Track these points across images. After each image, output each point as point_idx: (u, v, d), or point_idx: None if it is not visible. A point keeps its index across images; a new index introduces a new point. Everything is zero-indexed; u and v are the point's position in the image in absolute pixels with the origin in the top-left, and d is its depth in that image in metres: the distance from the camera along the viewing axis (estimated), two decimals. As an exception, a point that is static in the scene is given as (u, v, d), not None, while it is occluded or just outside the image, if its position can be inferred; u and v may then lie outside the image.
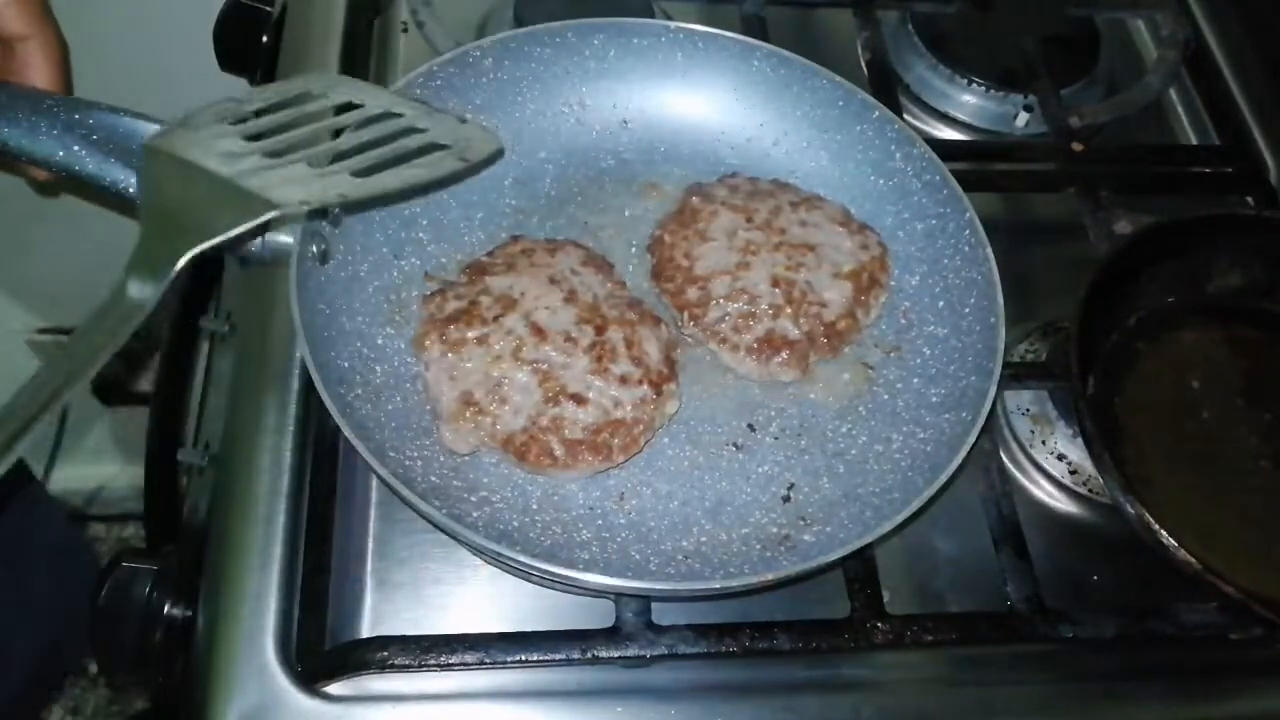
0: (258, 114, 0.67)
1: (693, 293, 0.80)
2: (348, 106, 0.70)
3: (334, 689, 0.68)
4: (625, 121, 0.90)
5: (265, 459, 0.74)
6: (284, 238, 0.71)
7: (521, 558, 0.63)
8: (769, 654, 0.70)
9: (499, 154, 0.75)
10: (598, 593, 0.71)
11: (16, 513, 1.19)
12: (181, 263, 0.59)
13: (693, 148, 0.90)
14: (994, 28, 1.07)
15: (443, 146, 0.69)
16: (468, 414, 0.71)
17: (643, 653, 0.67)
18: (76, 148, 0.69)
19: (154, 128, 0.69)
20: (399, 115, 0.70)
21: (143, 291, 0.59)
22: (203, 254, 0.59)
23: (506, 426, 0.71)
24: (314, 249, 0.72)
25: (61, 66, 0.74)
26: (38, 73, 0.73)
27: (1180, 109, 1.09)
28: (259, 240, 0.71)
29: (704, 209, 0.83)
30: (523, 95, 0.87)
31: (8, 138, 0.69)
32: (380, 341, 0.76)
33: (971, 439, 0.70)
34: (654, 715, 0.70)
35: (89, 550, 1.48)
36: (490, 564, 0.74)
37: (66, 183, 0.73)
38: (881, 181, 0.87)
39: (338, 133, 0.68)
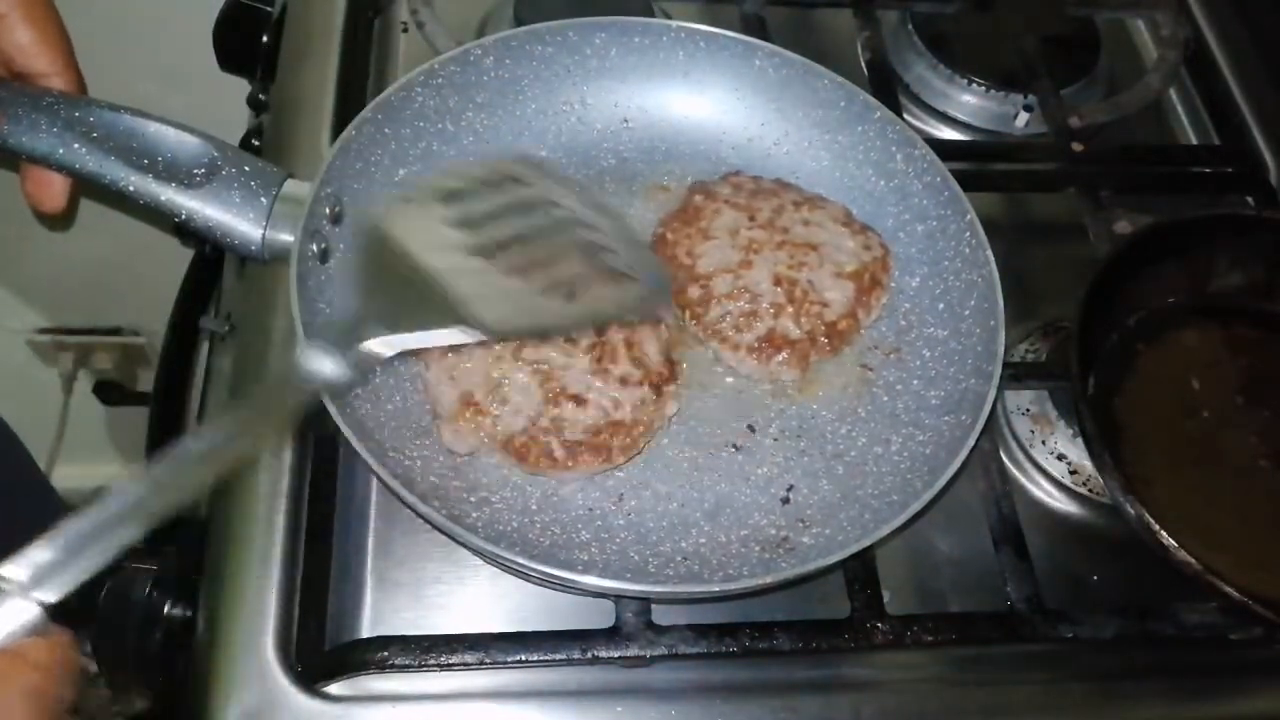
0: (465, 193, 0.67)
1: (694, 291, 0.80)
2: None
3: (334, 689, 0.67)
4: (626, 120, 0.90)
5: (265, 459, 0.74)
6: (284, 236, 0.71)
7: (520, 559, 0.63)
8: (769, 654, 0.70)
9: (668, 309, 0.78)
10: (597, 594, 0.71)
11: (16, 512, 1.18)
12: (370, 350, 0.59)
13: (694, 147, 0.90)
14: (994, 28, 1.07)
15: (627, 276, 0.70)
16: (467, 414, 0.71)
17: (643, 653, 0.67)
18: (77, 145, 0.69)
19: (155, 126, 0.69)
20: (593, 226, 0.71)
21: (323, 367, 0.58)
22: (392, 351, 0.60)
23: (506, 427, 0.71)
24: (314, 248, 0.72)
25: (45, 27, 0.72)
26: (20, 33, 0.71)
27: (1180, 109, 1.09)
28: (258, 239, 0.71)
29: (707, 207, 0.83)
30: (524, 94, 0.87)
31: (8, 135, 0.69)
32: (380, 341, 0.76)
33: (971, 442, 0.70)
34: (654, 715, 0.70)
35: None
36: (490, 564, 0.74)
37: (70, 215, 0.74)
38: (882, 183, 0.87)
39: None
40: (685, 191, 0.86)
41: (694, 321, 0.80)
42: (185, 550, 0.79)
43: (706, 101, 0.90)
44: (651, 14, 0.98)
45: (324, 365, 0.58)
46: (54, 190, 0.73)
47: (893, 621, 0.70)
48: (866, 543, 0.66)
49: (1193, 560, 0.69)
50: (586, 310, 0.67)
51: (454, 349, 0.73)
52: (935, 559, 0.78)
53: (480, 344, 0.68)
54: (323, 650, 0.68)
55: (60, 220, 0.81)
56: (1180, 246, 0.86)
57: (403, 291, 0.61)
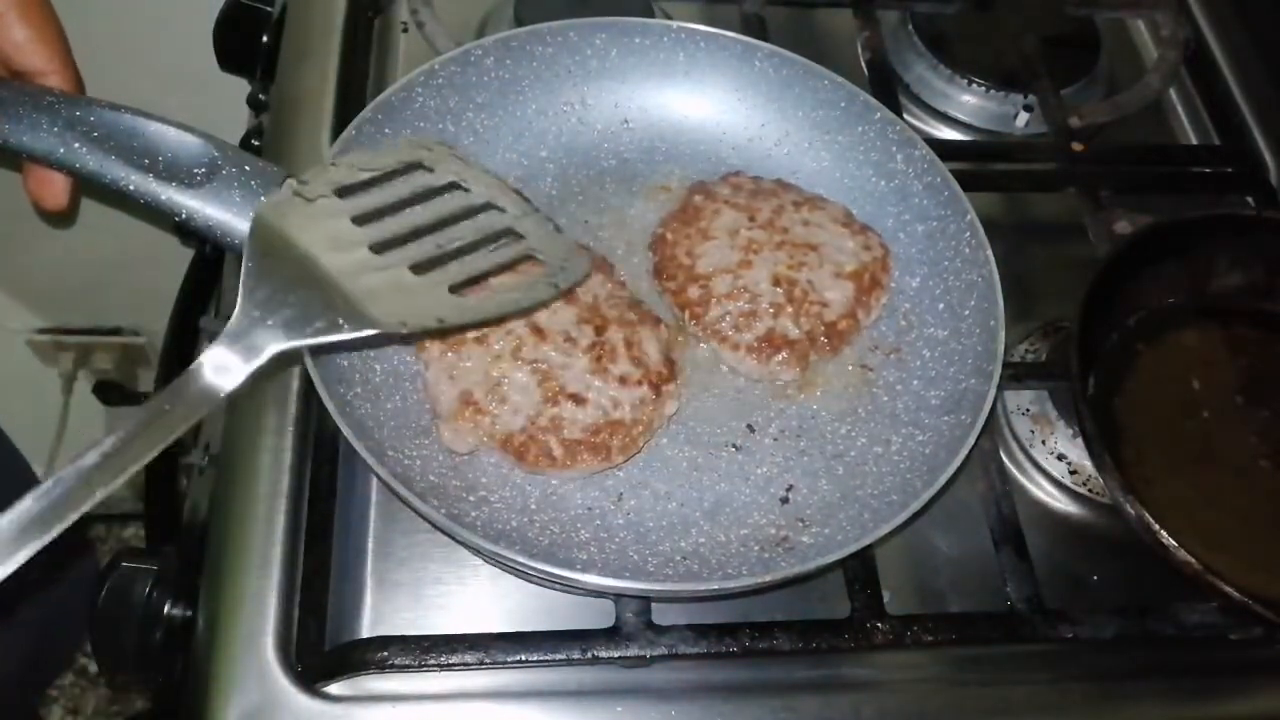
0: (368, 184, 0.66)
1: (694, 291, 0.80)
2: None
3: (334, 689, 0.67)
4: (627, 121, 0.90)
5: (265, 459, 0.74)
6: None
7: (519, 558, 0.63)
8: (769, 654, 0.70)
9: (586, 277, 0.76)
10: (596, 593, 0.71)
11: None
12: (267, 357, 0.57)
13: (694, 148, 0.90)
14: (994, 28, 1.07)
15: (536, 259, 0.70)
16: (467, 413, 0.71)
17: (643, 653, 0.67)
18: (78, 145, 0.69)
19: (155, 125, 0.69)
20: (500, 209, 0.71)
21: (221, 376, 0.56)
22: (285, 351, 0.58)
23: (505, 426, 0.71)
24: None
25: (40, 23, 0.72)
26: (18, 30, 0.71)
27: (1180, 109, 1.09)
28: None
29: (707, 207, 0.83)
30: (524, 94, 0.87)
31: (9, 134, 0.69)
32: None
33: (970, 442, 0.70)
34: (654, 715, 0.70)
35: (89, 550, 1.48)
36: (490, 564, 0.74)
37: (72, 213, 0.74)
38: (883, 183, 0.87)
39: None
40: (685, 192, 0.86)
41: (693, 321, 0.80)
42: (185, 550, 0.79)
43: (707, 102, 0.90)
44: (652, 14, 0.98)
45: (222, 375, 0.56)
46: (56, 188, 0.73)
47: (893, 621, 0.70)
48: (866, 542, 0.66)
49: (1193, 560, 0.69)
50: (490, 303, 0.66)
51: (452, 349, 0.73)
52: (935, 559, 0.78)
53: (400, 337, 0.67)
54: (323, 650, 0.68)
55: (62, 218, 0.81)
56: (1180, 246, 0.86)
57: (300, 292, 0.59)
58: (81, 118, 0.69)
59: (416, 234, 0.67)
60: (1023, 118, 1.02)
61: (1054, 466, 0.83)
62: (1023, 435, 0.84)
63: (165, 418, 0.55)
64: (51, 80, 0.72)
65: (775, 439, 0.77)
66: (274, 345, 0.57)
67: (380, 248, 0.64)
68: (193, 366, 0.56)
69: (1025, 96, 1.02)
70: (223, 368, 0.56)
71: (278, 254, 0.60)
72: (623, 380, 0.73)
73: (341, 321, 0.58)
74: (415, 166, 0.70)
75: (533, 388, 0.72)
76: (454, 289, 0.65)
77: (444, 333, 0.71)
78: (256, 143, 0.98)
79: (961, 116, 1.03)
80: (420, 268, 0.64)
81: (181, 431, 0.56)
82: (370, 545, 0.75)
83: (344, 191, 0.66)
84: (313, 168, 0.66)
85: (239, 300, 0.58)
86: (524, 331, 0.74)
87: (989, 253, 0.79)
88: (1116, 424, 0.81)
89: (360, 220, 0.65)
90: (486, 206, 0.71)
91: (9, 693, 1.21)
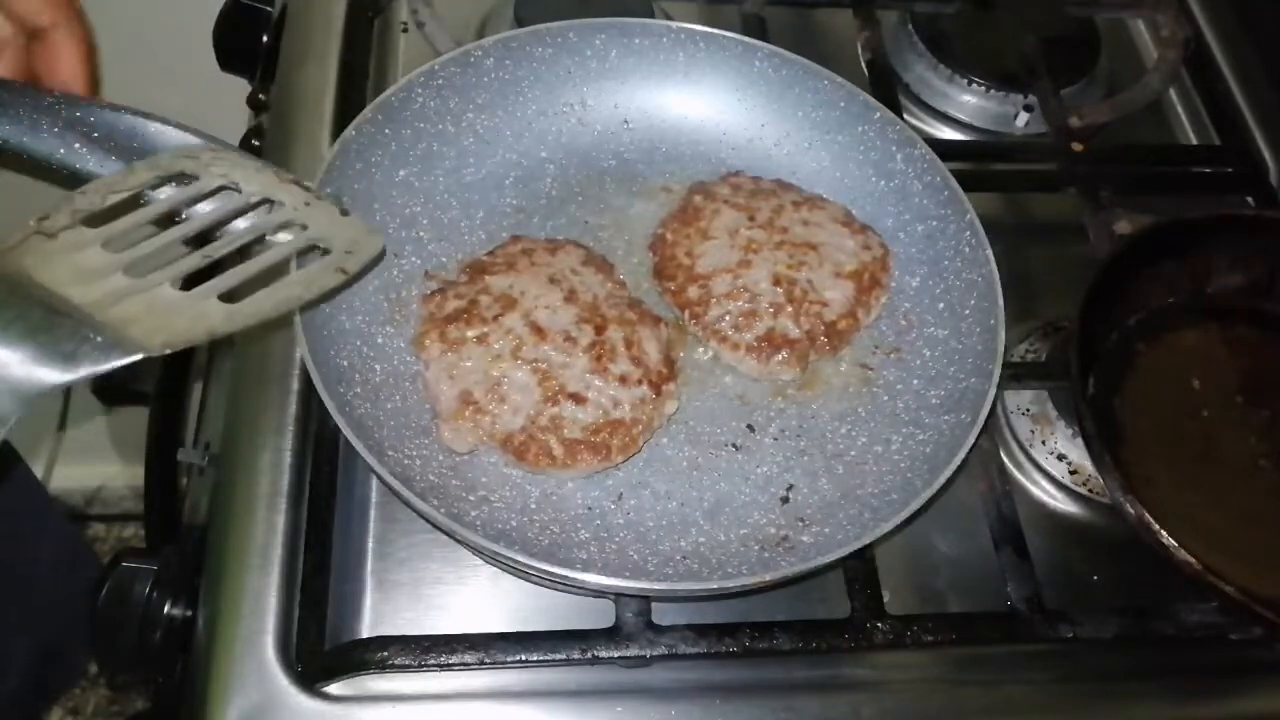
0: (119, 207, 0.62)
1: (694, 291, 0.80)
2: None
3: (334, 689, 0.67)
4: (626, 121, 0.90)
5: (265, 459, 0.74)
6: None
7: (519, 557, 0.63)
8: (769, 654, 0.70)
9: (379, 259, 0.71)
10: (597, 592, 0.71)
11: (16, 513, 1.18)
12: (20, 408, 0.52)
13: (694, 148, 0.90)
14: (994, 28, 1.07)
15: (322, 249, 0.65)
16: (467, 413, 0.71)
17: (643, 653, 0.67)
18: (78, 145, 0.69)
19: (155, 126, 0.69)
20: (278, 203, 0.66)
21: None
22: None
23: (505, 426, 0.71)
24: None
25: (88, 57, 0.73)
26: (65, 64, 0.72)
27: (1180, 109, 1.10)
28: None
29: (706, 207, 0.83)
30: (524, 95, 0.87)
31: (8, 135, 0.69)
32: (380, 340, 0.76)
33: (970, 441, 0.70)
34: (654, 715, 0.70)
35: (88, 551, 1.48)
36: (490, 563, 0.74)
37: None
38: (882, 183, 0.87)
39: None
40: (685, 192, 0.86)
41: (693, 321, 0.80)
42: (185, 550, 0.79)
43: (706, 102, 0.90)
44: (652, 14, 0.98)
45: None
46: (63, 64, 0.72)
47: (893, 621, 0.70)
48: (866, 540, 0.66)
49: (1193, 560, 0.69)
50: (266, 301, 0.61)
51: (452, 349, 0.73)
52: (935, 559, 0.78)
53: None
54: (323, 650, 0.68)
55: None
56: (1180, 246, 0.86)
57: (57, 331, 0.54)
58: (81, 118, 0.69)
59: (177, 248, 0.62)
60: (1023, 118, 1.02)
61: (1054, 466, 0.83)
62: (1023, 435, 0.84)
63: None
64: (60, 34, 0.71)
65: (775, 438, 0.77)
66: (32, 393, 0.53)
67: (138, 270, 0.59)
68: None
69: (1025, 96, 1.02)
70: None
71: (17, 301, 0.55)
72: (623, 380, 0.73)
73: (100, 352, 0.54)
74: (174, 178, 0.66)
75: (533, 387, 0.72)
76: (225, 297, 0.60)
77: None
78: (257, 143, 0.98)
79: (961, 116, 1.03)
80: (185, 282, 0.60)
81: None
82: (370, 545, 0.75)
83: (93, 220, 0.61)
84: (58, 201, 0.61)
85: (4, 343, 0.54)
86: (524, 331, 0.74)
87: (989, 252, 0.79)
88: (1116, 424, 0.81)
89: (113, 246, 0.60)
90: (262, 204, 0.67)
91: (15, 707, 1.21)
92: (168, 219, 0.65)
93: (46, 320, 0.54)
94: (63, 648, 1.25)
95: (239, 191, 0.67)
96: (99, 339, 0.54)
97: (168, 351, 0.56)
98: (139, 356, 0.55)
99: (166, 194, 0.65)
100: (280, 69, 0.96)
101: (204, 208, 0.66)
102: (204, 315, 0.59)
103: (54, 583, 1.19)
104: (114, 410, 1.78)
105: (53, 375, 0.53)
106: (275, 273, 0.64)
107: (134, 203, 0.64)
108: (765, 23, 1.00)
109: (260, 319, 0.61)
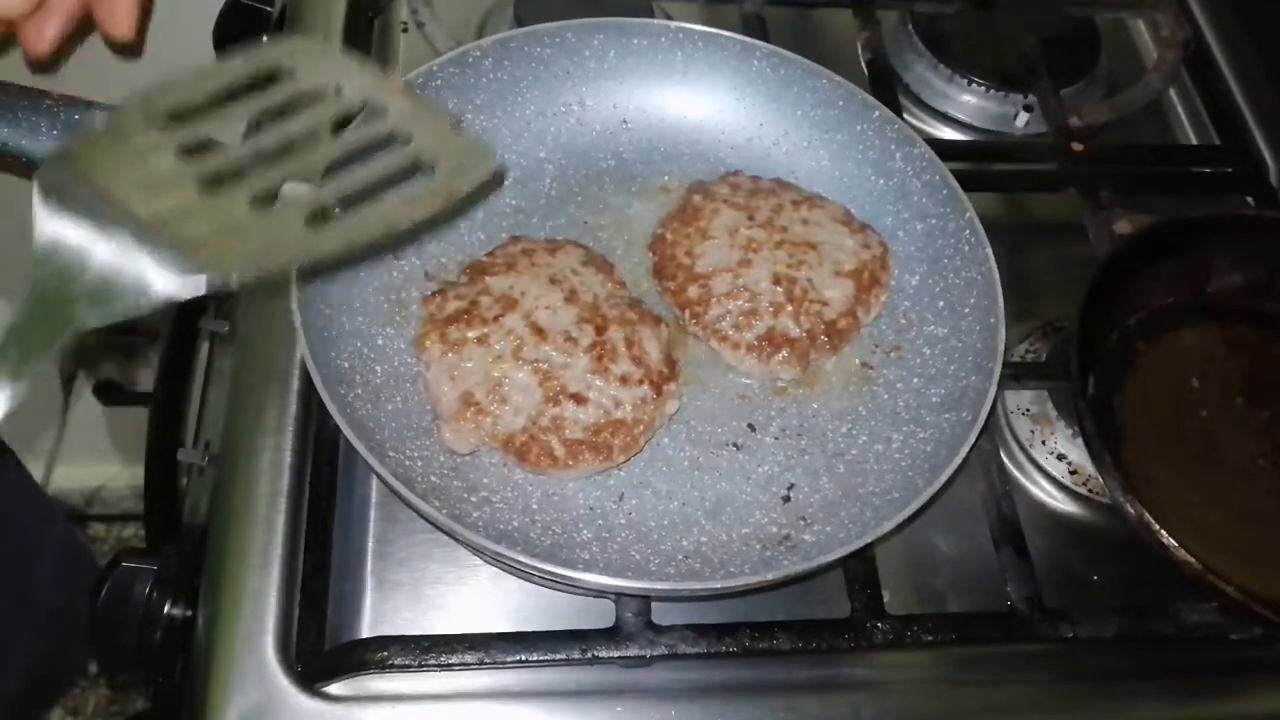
0: (200, 108, 0.53)
1: (694, 291, 0.80)
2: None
3: (334, 689, 0.67)
4: (625, 121, 0.90)
5: (265, 459, 0.74)
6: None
7: (521, 558, 0.63)
8: (769, 654, 0.70)
9: (494, 184, 0.65)
10: (598, 593, 0.71)
11: (16, 514, 1.18)
12: (57, 347, 0.47)
13: (693, 148, 0.90)
14: (994, 28, 1.07)
15: (426, 166, 0.55)
16: (468, 414, 0.71)
17: (643, 653, 0.67)
18: (77, 147, 0.69)
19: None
20: (381, 112, 0.56)
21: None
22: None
23: (507, 426, 0.71)
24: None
25: (145, 8, 0.70)
26: (123, 12, 0.71)
27: (1180, 109, 1.09)
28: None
29: (705, 207, 0.83)
30: (523, 95, 0.87)
31: (7, 137, 0.69)
32: (380, 341, 0.76)
33: (972, 439, 0.70)
34: (654, 715, 0.70)
35: (88, 551, 1.48)
36: (490, 564, 0.74)
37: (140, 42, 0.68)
38: (882, 181, 0.87)
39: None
40: (684, 191, 0.86)
41: (694, 320, 0.80)
42: (185, 550, 0.79)
43: (705, 102, 0.90)
44: (651, 14, 0.98)
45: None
46: (120, 13, 0.72)
47: (893, 621, 0.70)
48: (868, 539, 0.66)
49: (1193, 560, 0.69)
50: (355, 224, 0.53)
51: (453, 349, 0.73)
52: (935, 559, 0.78)
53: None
54: (323, 650, 0.68)
55: (130, 49, 0.76)
56: (1180, 246, 0.86)
57: (112, 249, 0.48)
58: (81, 121, 0.69)
59: (260, 161, 0.54)
60: (1023, 118, 1.02)
61: (1054, 466, 0.83)
62: (1023, 435, 0.84)
63: None
64: None
65: (776, 438, 0.77)
66: (64, 332, 0.47)
67: (213, 185, 0.52)
68: None
69: (1025, 96, 1.02)
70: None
71: (77, 209, 0.49)
72: (624, 380, 0.73)
73: (159, 280, 0.48)
74: (270, 76, 0.56)
75: (534, 387, 0.72)
76: (311, 221, 0.52)
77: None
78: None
79: (961, 116, 1.03)
80: (263, 201, 0.52)
81: None
82: (370, 545, 0.75)
83: (169, 121, 0.53)
84: (131, 94, 0.53)
85: (33, 276, 0.48)
86: (524, 331, 0.74)
87: (988, 250, 0.79)
88: (1116, 424, 0.81)
89: (189, 153, 0.52)
90: (363, 110, 0.57)
91: (16, 707, 1.21)
92: (250, 125, 0.57)
93: (125, 274, 0.48)
94: (63, 647, 1.25)
95: (339, 94, 0.56)
96: (157, 261, 0.48)
97: (233, 283, 0.50)
98: (203, 287, 0.49)
99: (256, 96, 0.55)
100: (280, 69, 0.96)
101: (296, 115, 0.56)
102: (285, 240, 0.51)
103: (54, 584, 1.19)
104: (114, 410, 1.79)
105: (91, 314, 0.48)
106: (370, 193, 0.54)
107: (217, 103, 0.54)
108: (765, 22, 1.00)
109: (349, 246, 0.53)
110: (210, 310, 0.98)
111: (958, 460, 0.69)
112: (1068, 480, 0.82)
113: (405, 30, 1.00)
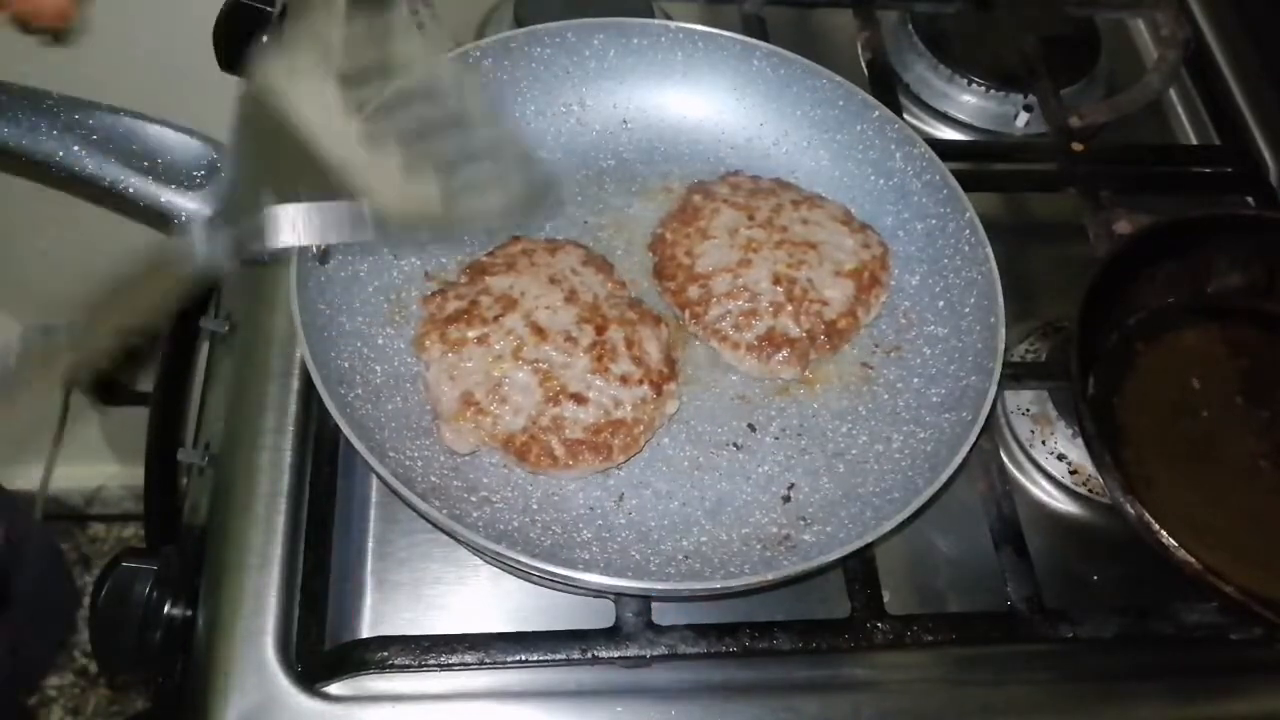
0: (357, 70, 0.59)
1: (694, 291, 0.80)
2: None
3: (334, 689, 0.67)
4: (625, 121, 0.90)
5: (265, 459, 0.74)
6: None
7: (522, 558, 0.63)
8: (769, 654, 0.70)
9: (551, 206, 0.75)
10: (598, 593, 0.71)
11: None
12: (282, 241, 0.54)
13: (693, 147, 0.90)
14: (994, 28, 1.07)
15: (496, 185, 0.64)
16: (468, 414, 0.71)
17: (643, 653, 0.67)
18: (76, 148, 0.69)
19: (154, 128, 0.69)
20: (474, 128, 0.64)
21: (208, 246, 0.53)
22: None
23: (507, 426, 0.71)
24: (314, 248, 0.72)
25: None
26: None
27: (1180, 109, 1.10)
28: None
29: (705, 207, 0.83)
30: (523, 95, 0.87)
31: (8, 137, 0.69)
32: (380, 341, 0.76)
33: (972, 439, 0.70)
34: (654, 715, 0.70)
35: (59, 552, 1.47)
36: (490, 564, 0.74)
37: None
38: (882, 181, 0.87)
39: None
40: (684, 191, 0.86)
41: (694, 320, 0.80)
42: (185, 550, 0.79)
43: (705, 102, 0.90)
44: (651, 14, 0.98)
45: (208, 244, 0.54)
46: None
47: (893, 621, 0.70)
48: (868, 539, 0.66)
49: (1193, 560, 0.69)
50: (478, 204, 0.62)
51: (453, 349, 0.73)
52: (935, 559, 0.78)
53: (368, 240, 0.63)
54: (323, 650, 0.68)
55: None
56: (1180, 246, 0.86)
57: (292, 163, 0.55)
58: (80, 120, 0.69)
59: (400, 136, 0.61)
60: (1023, 118, 1.02)
61: (1054, 466, 0.83)
62: (1023, 435, 0.84)
63: (144, 288, 0.54)
64: None
65: (776, 437, 0.77)
66: (269, 213, 0.54)
67: (371, 139, 0.59)
68: (175, 238, 0.54)
69: (1025, 96, 1.02)
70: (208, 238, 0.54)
71: (275, 125, 0.55)
72: (624, 379, 0.73)
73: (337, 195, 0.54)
74: (392, 62, 0.63)
75: (534, 387, 0.72)
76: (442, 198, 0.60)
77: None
78: (256, 143, 0.98)
79: (961, 116, 1.03)
80: (415, 165, 0.59)
81: (164, 305, 0.53)
82: (370, 545, 0.75)
83: (338, 75, 0.59)
84: (306, 32, 0.58)
85: (238, 166, 0.55)
86: (524, 331, 0.74)
87: (988, 250, 0.79)
88: (1116, 424, 0.81)
89: (352, 109, 0.59)
90: (454, 124, 0.65)
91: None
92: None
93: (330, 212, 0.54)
94: (31, 640, 1.24)
95: (443, 101, 0.64)
96: (339, 188, 0.54)
97: (393, 230, 0.56)
98: (363, 227, 0.55)
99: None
100: (280, 69, 0.96)
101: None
102: (429, 198, 0.58)
103: (34, 592, 1.18)
104: (114, 410, 1.79)
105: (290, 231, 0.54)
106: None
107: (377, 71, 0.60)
108: (765, 23, 1.00)
109: (469, 222, 0.64)
110: (210, 310, 0.98)
111: (958, 460, 0.69)
112: (1068, 480, 0.82)
113: (405, 30, 1.00)
